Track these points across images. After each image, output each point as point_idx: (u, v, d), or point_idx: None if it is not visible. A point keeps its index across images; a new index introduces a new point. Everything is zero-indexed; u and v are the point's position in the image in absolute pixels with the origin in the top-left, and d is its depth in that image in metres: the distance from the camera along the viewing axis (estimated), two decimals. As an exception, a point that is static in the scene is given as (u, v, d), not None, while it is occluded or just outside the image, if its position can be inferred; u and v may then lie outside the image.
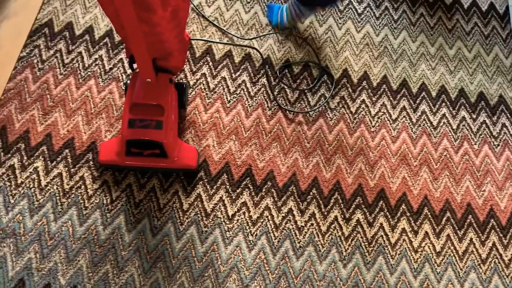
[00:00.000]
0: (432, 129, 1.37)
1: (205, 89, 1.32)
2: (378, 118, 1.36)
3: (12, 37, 1.33)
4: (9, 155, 1.18)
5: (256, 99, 1.33)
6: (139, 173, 1.19)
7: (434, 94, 1.43)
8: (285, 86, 1.36)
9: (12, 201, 1.13)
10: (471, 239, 1.24)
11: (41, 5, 1.38)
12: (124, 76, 1.32)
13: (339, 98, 1.37)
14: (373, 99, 1.39)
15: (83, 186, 1.16)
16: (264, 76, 1.37)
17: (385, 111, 1.37)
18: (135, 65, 1.10)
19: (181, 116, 1.28)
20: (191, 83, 1.33)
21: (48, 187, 1.15)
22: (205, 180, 1.21)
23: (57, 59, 1.32)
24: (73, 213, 1.13)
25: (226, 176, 1.22)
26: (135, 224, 1.13)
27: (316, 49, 1.43)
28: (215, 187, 1.20)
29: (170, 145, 1.12)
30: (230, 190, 1.21)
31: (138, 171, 1.19)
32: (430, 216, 1.25)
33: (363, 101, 1.38)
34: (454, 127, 1.39)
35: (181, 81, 1.34)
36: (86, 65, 1.32)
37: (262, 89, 1.35)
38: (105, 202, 1.15)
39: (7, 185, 1.15)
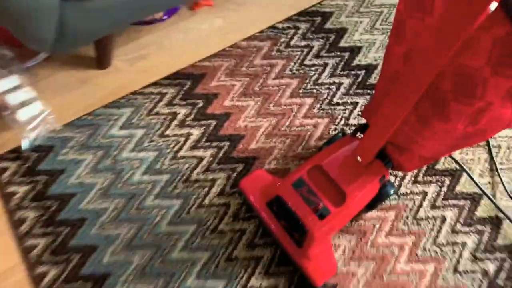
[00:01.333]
0: None
1: (411, 210, 0.94)
2: None
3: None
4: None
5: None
6: (263, 228, 0.90)
7: None
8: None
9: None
10: None
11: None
12: (340, 125, 1.02)
13: None
14: None
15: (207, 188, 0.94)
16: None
17: None
18: (359, 134, 0.79)
19: (358, 214, 0.94)
20: (402, 190, 0.96)
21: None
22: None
23: (301, 54, 1.11)
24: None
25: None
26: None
27: None
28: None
29: (316, 241, 0.79)
30: None
31: (264, 227, 0.91)
32: None
33: None
34: None
35: (391, 182, 0.98)
36: (319, 82, 1.08)
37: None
38: (208, 226, 0.91)
39: (156, 126, 1.00)
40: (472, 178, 0.96)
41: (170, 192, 0.92)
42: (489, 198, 0.94)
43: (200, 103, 1.03)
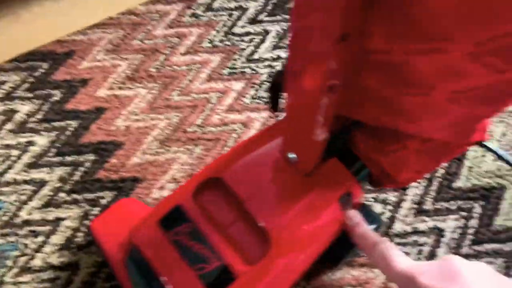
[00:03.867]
0: None
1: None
2: None
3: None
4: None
5: None
6: None
7: None
8: None
9: None
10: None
11: None
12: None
13: None
14: None
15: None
16: None
17: None
18: (282, 103, 0.36)
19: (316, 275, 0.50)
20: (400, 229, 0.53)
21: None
22: None
23: (228, 19, 0.71)
24: None
25: None
26: None
27: None
28: None
29: None
30: None
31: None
32: None
33: None
34: None
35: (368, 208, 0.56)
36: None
37: None
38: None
39: None
40: None
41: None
42: None
43: (57, 95, 0.63)
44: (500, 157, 0.37)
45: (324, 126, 0.32)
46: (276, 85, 0.37)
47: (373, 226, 0.45)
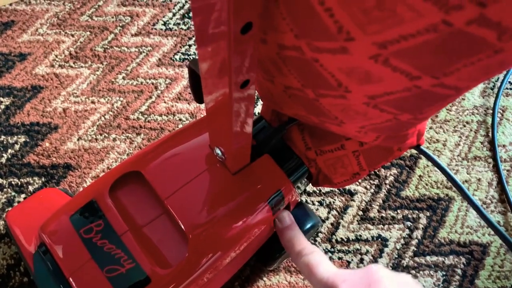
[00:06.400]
0: None
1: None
2: None
3: None
4: None
5: None
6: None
7: None
8: None
9: None
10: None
11: None
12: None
13: None
14: None
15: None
16: None
17: None
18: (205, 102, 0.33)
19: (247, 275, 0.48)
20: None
21: None
22: None
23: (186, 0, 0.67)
24: None
25: None
26: None
27: None
28: None
29: None
30: None
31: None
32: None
33: None
34: None
35: (305, 205, 0.54)
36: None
37: None
38: None
39: None
40: None
41: None
42: None
43: (-10, 69, 0.58)
44: (436, 165, 0.35)
45: (244, 121, 0.29)
46: (194, 73, 0.33)
47: (307, 227, 0.42)
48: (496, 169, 0.57)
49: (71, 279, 0.34)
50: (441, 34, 0.18)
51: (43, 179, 0.52)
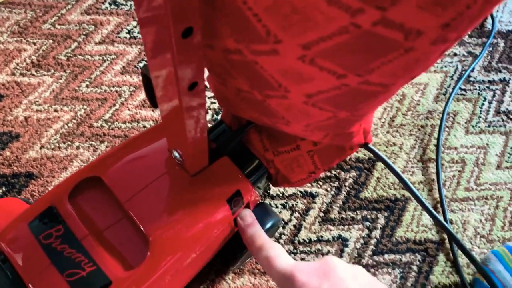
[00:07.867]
0: None
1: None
2: None
3: None
4: None
5: None
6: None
7: None
8: None
9: None
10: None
11: None
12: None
13: None
14: None
15: None
16: None
17: None
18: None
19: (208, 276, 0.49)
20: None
21: None
22: None
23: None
24: None
25: None
26: None
27: None
28: None
29: None
30: None
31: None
32: None
33: None
34: None
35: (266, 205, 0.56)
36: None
37: None
38: None
39: None
40: None
41: None
42: None
43: None
44: (384, 162, 0.38)
45: (197, 122, 0.31)
46: (147, 78, 0.34)
47: (268, 225, 0.44)
48: (437, 171, 0.60)
49: (30, 286, 0.34)
50: (353, 35, 0.19)
51: (3, 188, 0.51)
